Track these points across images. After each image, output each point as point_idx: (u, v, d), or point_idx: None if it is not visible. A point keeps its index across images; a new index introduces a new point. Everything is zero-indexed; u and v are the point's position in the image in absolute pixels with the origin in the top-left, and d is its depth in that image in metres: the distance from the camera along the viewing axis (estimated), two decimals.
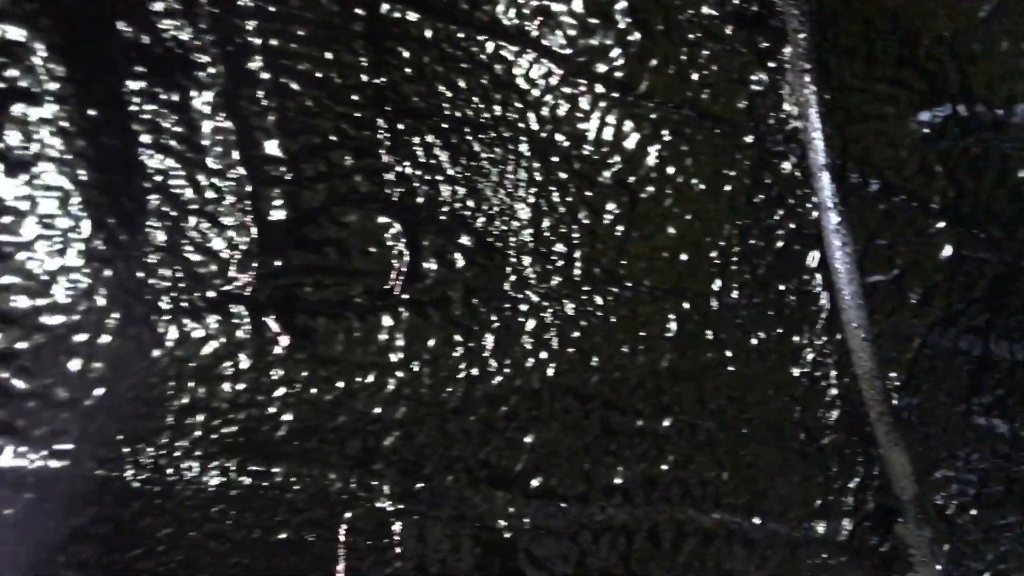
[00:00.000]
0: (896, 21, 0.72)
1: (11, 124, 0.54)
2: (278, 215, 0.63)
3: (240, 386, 0.63)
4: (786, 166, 0.74)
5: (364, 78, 0.66)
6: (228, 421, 0.62)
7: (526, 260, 0.71)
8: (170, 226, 0.60)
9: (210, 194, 0.62)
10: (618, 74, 0.70)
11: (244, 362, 0.63)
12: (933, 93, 0.74)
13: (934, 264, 0.76)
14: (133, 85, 0.59)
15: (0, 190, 0.53)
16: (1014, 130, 0.73)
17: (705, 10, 0.70)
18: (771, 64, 0.72)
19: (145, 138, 0.59)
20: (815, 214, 0.74)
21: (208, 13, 0.60)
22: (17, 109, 0.54)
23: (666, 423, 0.75)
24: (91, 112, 0.56)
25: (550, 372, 0.71)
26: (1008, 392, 0.79)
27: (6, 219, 0.55)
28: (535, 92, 0.70)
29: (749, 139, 0.73)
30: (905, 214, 0.75)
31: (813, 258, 0.76)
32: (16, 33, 0.52)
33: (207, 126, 0.61)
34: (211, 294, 0.61)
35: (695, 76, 0.72)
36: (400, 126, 0.67)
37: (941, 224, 0.75)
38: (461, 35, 0.68)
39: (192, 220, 0.61)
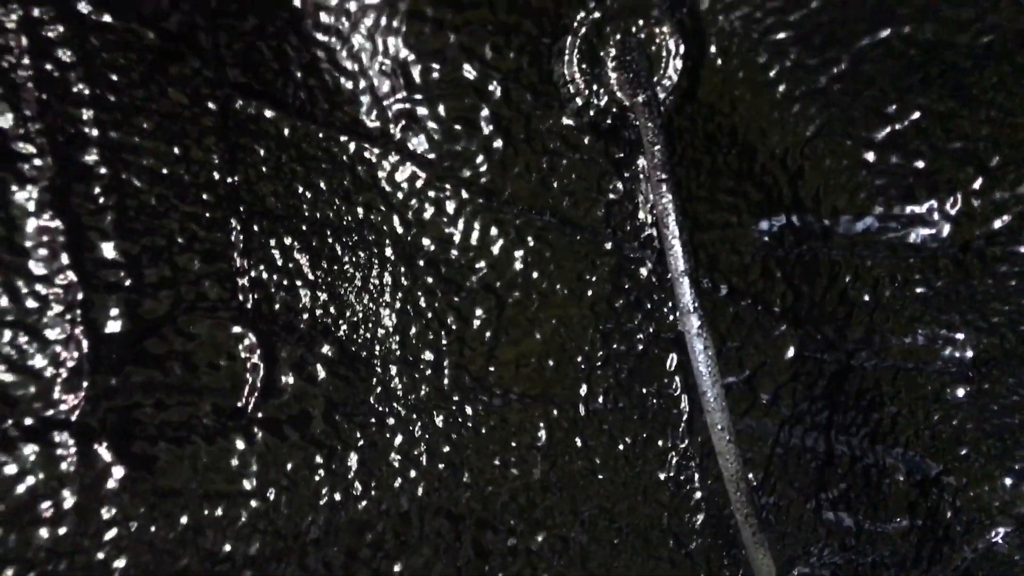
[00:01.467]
0: (735, 137, 0.85)
1: None
2: (114, 327, 0.61)
3: (62, 530, 0.58)
4: (643, 272, 0.83)
5: (216, 176, 0.67)
6: (46, 574, 0.58)
7: (393, 370, 0.73)
8: None
9: (31, 303, 0.59)
10: (483, 180, 0.76)
11: (68, 500, 0.59)
12: (769, 204, 0.88)
13: (780, 364, 0.88)
14: None
15: None
16: (839, 239, 0.88)
17: (565, 120, 0.79)
18: (627, 174, 0.82)
19: None
20: (671, 318, 0.83)
21: (36, 99, 0.59)
22: None
23: (539, 538, 0.78)
24: None
25: (419, 491, 0.73)
26: (850, 486, 0.91)
27: None
28: (399, 195, 0.75)
29: (608, 246, 0.81)
30: (751, 317, 0.87)
31: (672, 361, 0.85)
32: None
33: (31, 225, 0.59)
34: (28, 421, 0.58)
35: (556, 184, 0.79)
36: (255, 228, 0.68)
37: (783, 326, 0.87)
38: (321, 135, 0.71)
39: (7, 334, 0.58)
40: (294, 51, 0.69)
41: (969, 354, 0.91)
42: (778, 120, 0.79)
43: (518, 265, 0.77)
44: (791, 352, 0.87)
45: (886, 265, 0.85)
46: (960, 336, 0.90)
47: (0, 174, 0.57)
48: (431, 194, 0.74)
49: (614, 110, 0.78)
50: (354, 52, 0.71)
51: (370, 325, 0.72)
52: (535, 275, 0.77)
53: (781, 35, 0.75)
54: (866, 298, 0.86)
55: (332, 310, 0.70)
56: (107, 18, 0.61)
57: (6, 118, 0.57)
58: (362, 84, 0.71)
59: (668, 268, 0.74)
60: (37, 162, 0.58)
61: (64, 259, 0.59)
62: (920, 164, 0.79)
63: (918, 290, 0.86)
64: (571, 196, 0.79)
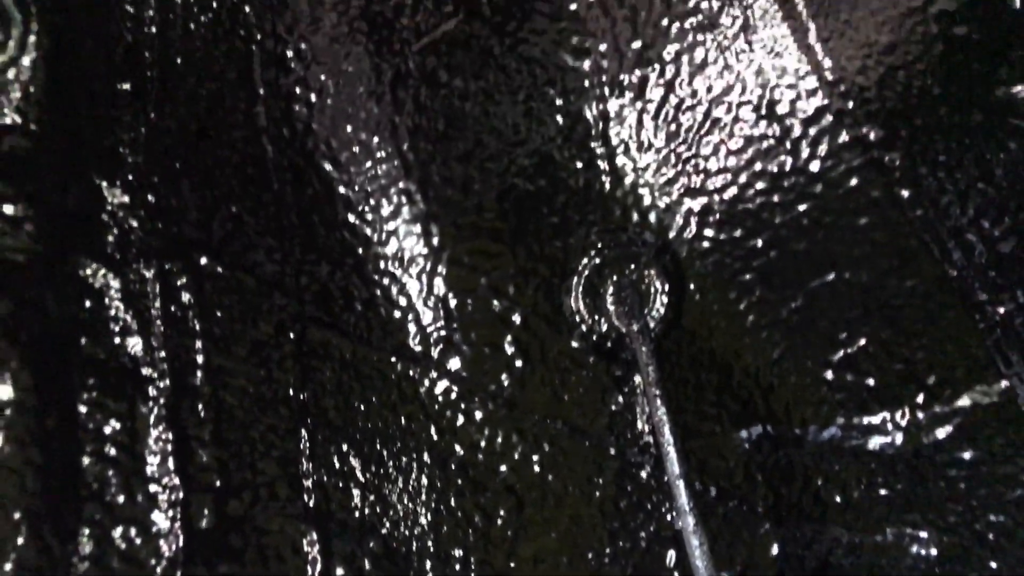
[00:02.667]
0: (715, 358, 1.08)
1: None
2: (205, 523, 0.78)
3: None
4: (643, 475, 1.02)
5: (291, 392, 0.87)
6: None
7: (428, 565, 0.90)
8: (100, 535, 0.73)
9: (142, 501, 0.76)
10: (506, 393, 0.97)
11: None
12: (747, 415, 1.09)
13: (765, 561, 1.05)
14: (86, 396, 0.75)
15: None
16: (809, 446, 1.08)
17: (573, 344, 1.02)
18: (626, 389, 1.03)
19: (90, 447, 0.75)
20: (669, 517, 1.02)
21: (162, 333, 0.80)
22: None
23: None
24: (48, 423, 0.71)
25: None
26: None
27: None
28: (436, 407, 0.95)
29: (612, 451, 1.01)
30: (738, 517, 1.05)
31: (671, 558, 1.02)
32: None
33: (151, 436, 0.77)
34: None
35: (567, 397, 1.01)
36: (319, 437, 0.88)
37: (767, 525, 1.05)
38: (375, 357, 0.93)
39: (121, 529, 0.75)
40: (357, 290, 0.92)
41: (934, 551, 1.09)
42: (749, 344, 1.02)
43: (535, 468, 0.96)
44: (775, 550, 1.04)
45: (852, 470, 1.05)
46: (924, 535, 1.08)
47: (130, 393, 0.77)
48: (462, 406, 0.94)
49: (613, 336, 1.01)
50: (404, 290, 0.94)
51: (409, 523, 0.89)
52: (550, 477, 0.96)
53: (747, 276, 1.01)
54: (838, 499, 1.06)
55: (378, 509, 0.88)
56: (219, 268, 0.84)
57: (137, 347, 0.78)
58: (410, 315, 0.94)
59: (665, 472, 0.93)
60: (159, 384, 0.78)
61: (171, 464, 0.77)
62: (871, 382, 1.02)
63: (882, 492, 1.05)
64: (579, 407, 1.00)
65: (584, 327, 0.97)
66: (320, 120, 0.89)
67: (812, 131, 0.86)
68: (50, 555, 0.68)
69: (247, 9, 0.85)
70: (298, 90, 0.89)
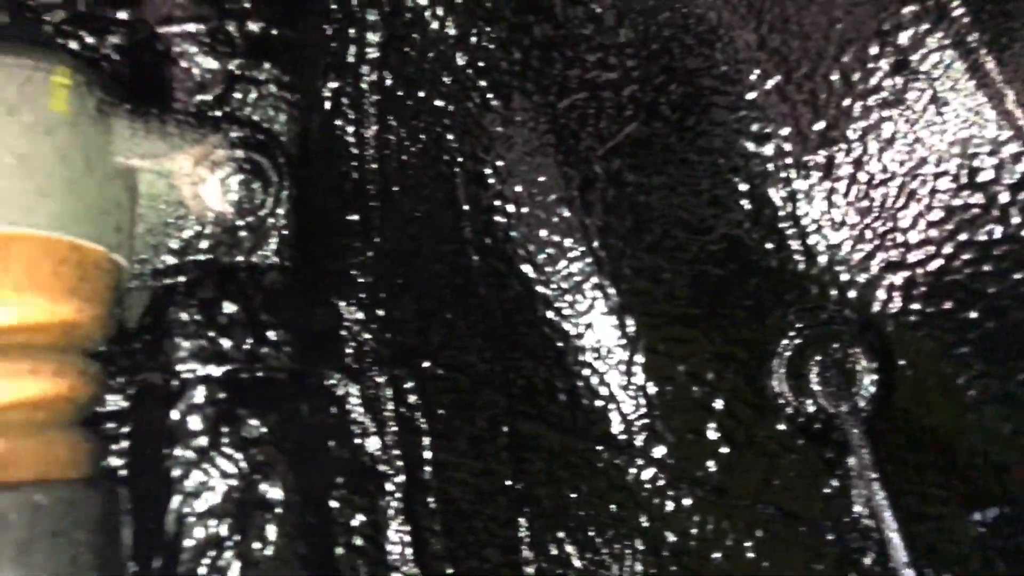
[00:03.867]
0: (935, 436, 1.04)
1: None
2: None
3: None
4: (867, 561, 0.99)
5: (507, 483, 0.94)
6: None
7: None
8: None
9: None
10: (713, 479, 0.99)
11: None
12: (979, 497, 1.03)
13: None
14: (336, 493, 0.86)
15: None
16: None
17: (779, 426, 1.02)
18: (839, 472, 1.02)
19: (342, 539, 0.85)
20: None
21: (393, 432, 0.90)
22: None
23: None
24: (308, 518, 0.82)
25: None
26: None
27: None
28: (644, 494, 0.98)
29: (830, 536, 0.99)
30: None
31: None
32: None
33: (390, 529, 0.87)
34: None
35: (777, 481, 1.00)
36: (537, 525, 0.93)
37: None
38: (581, 447, 0.98)
39: None
40: (559, 382, 0.98)
41: None
42: (974, 421, 0.98)
43: (749, 554, 0.96)
44: None
45: None
46: None
47: (371, 489, 0.87)
48: (670, 493, 0.97)
49: (821, 417, 1.01)
50: (604, 380, 1.00)
51: None
52: (765, 564, 0.96)
53: (963, 349, 0.97)
54: None
55: None
56: (438, 371, 0.94)
57: (375, 447, 0.88)
58: (611, 405, 0.99)
59: (890, 559, 0.90)
60: (395, 479, 0.88)
61: (408, 553, 0.86)
62: None
63: None
64: (791, 492, 1.00)
65: (789, 409, 0.98)
66: (518, 228, 0.98)
67: (1022, 196, 0.84)
68: None
69: (449, 137, 0.97)
70: (497, 203, 0.99)
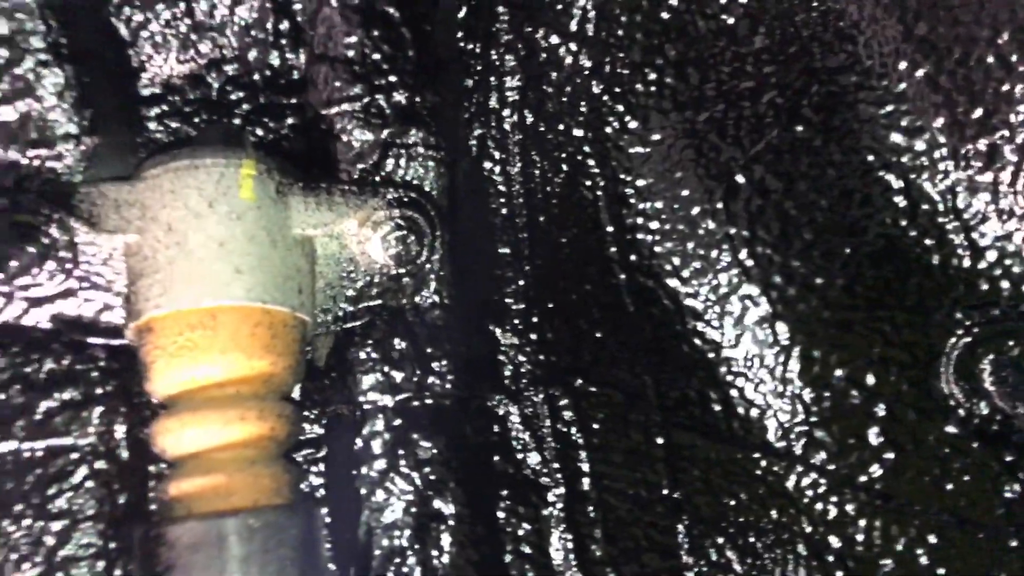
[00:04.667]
0: None
1: None
2: None
3: None
4: None
5: (665, 492, 0.99)
6: None
7: None
8: None
9: None
10: (878, 485, 0.98)
11: None
12: None
13: None
14: (502, 505, 0.95)
15: None
16: None
17: (950, 429, 0.99)
18: (1021, 476, 0.97)
19: (510, 547, 0.94)
20: None
21: (552, 448, 0.98)
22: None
23: None
24: (478, 529, 0.92)
25: None
26: None
27: None
28: (805, 500, 0.99)
29: (1013, 543, 0.96)
30: None
31: None
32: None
33: (553, 537, 0.95)
34: None
35: (950, 486, 0.98)
36: (695, 531, 0.98)
37: None
38: (738, 455, 1.01)
39: None
40: (713, 392, 1.02)
41: None
42: None
43: (923, 561, 0.95)
44: None
45: None
46: None
47: (534, 501, 0.95)
48: (833, 499, 0.98)
49: (998, 418, 0.97)
50: (759, 389, 1.02)
51: None
52: (941, 571, 0.95)
53: None
54: None
55: None
56: (591, 388, 1.01)
57: (536, 461, 0.96)
58: (767, 413, 1.01)
59: None
60: (556, 491, 0.96)
61: (572, 559, 0.94)
62: None
63: None
64: (967, 497, 0.97)
65: (961, 412, 0.95)
66: (662, 243, 1.03)
67: None
68: None
69: (590, 163, 1.04)
70: (640, 220, 1.04)
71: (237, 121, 0.89)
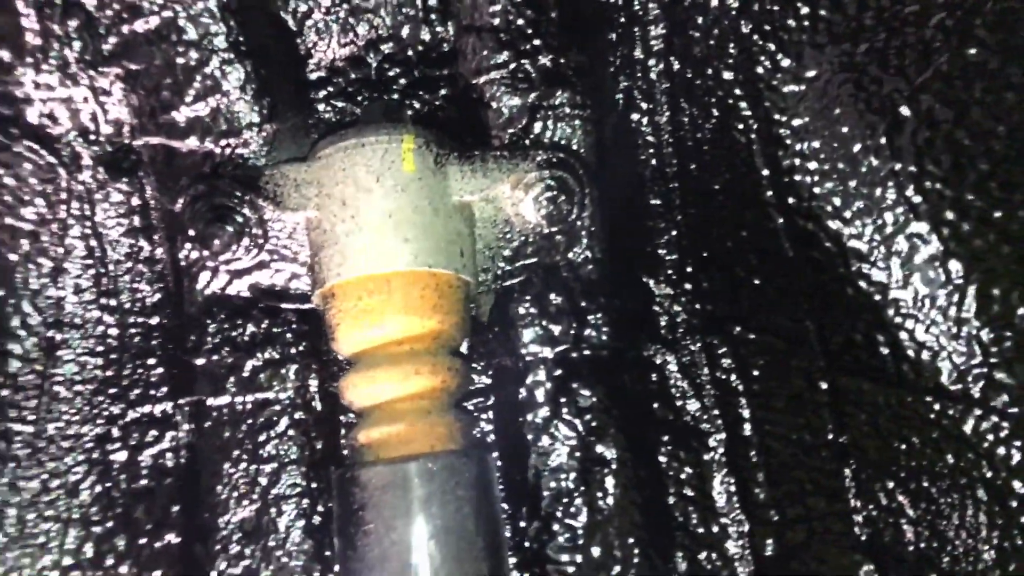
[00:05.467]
0: None
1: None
2: (771, 551, 0.94)
3: None
4: None
5: (830, 436, 0.98)
6: None
7: None
8: (690, 558, 0.95)
9: (717, 531, 0.96)
10: None
11: None
12: None
13: None
14: (664, 450, 0.98)
15: None
16: None
17: None
18: None
19: (672, 489, 0.97)
20: None
21: (711, 395, 0.99)
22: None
23: None
24: (640, 473, 0.95)
25: None
26: None
27: None
28: (985, 444, 0.95)
29: None
30: None
31: None
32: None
33: (716, 480, 0.97)
34: None
35: None
36: (863, 476, 0.96)
37: None
38: (909, 399, 0.98)
39: (704, 553, 0.95)
40: (881, 336, 0.99)
41: None
42: None
43: None
44: None
45: None
46: None
47: (695, 445, 0.97)
48: (1017, 443, 0.93)
49: None
50: (930, 330, 0.98)
51: (971, 559, 0.92)
52: None
53: None
54: None
55: (935, 544, 0.93)
56: (750, 335, 1.01)
57: (695, 408, 0.98)
58: (941, 355, 0.97)
59: None
60: (716, 436, 0.98)
61: (735, 501, 0.96)
62: None
63: None
64: None
65: None
66: (822, 184, 1.00)
67: None
68: (656, 570, 0.94)
69: (742, 105, 1.02)
70: (797, 162, 1.02)
71: (395, 96, 0.95)
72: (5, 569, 0.88)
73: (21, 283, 0.90)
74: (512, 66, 0.85)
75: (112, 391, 0.92)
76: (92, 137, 0.87)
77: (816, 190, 1.02)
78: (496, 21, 0.85)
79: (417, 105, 0.94)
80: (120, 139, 0.88)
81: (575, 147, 0.87)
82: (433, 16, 0.89)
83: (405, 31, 0.90)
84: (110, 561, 0.89)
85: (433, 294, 0.79)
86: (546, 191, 0.85)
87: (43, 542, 0.89)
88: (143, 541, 0.90)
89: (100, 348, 0.92)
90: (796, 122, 1.03)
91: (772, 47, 1.03)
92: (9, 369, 0.90)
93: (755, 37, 1.04)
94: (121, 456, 0.91)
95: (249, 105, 0.84)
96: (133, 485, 0.90)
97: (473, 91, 0.90)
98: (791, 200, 1.03)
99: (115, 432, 0.92)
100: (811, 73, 1.01)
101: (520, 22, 0.85)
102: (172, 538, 0.89)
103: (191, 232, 0.85)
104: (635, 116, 1.02)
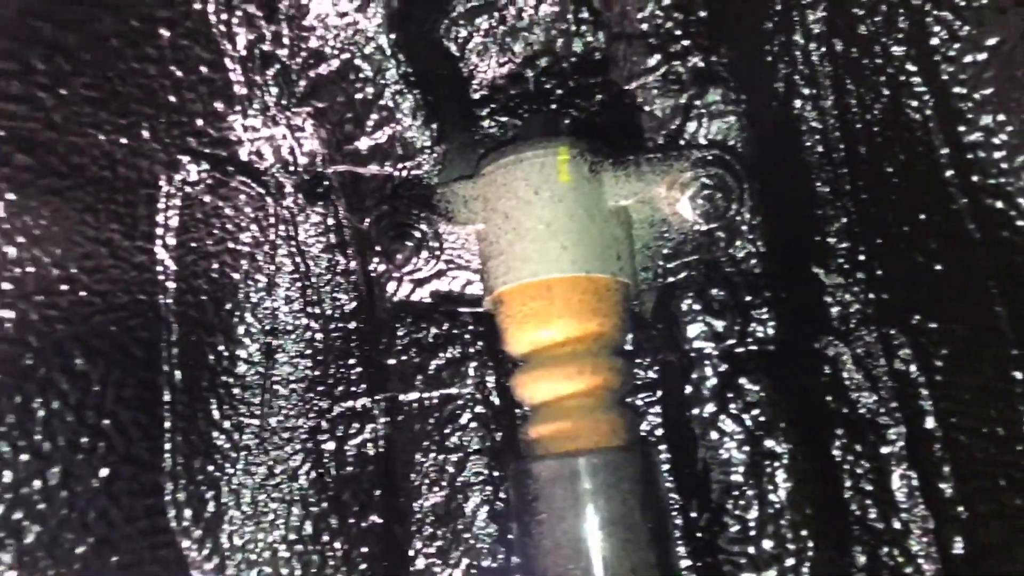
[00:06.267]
0: None
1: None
2: (960, 549, 0.90)
3: None
4: None
5: None
6: None
7: None
8: (869, 553, 0.92)
9: (899, 527, 0.93)
10: None
11: None
12: None
13: None
14: (838, 443, 0.96)
15: None
16: None
17: None
18: None
19: (848, 483, 0.95)
20: None
21: (888, 386, 0.95)
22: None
23: None
24: (814, 468, 0.94)
25: None
26: None
27: None
28: None
29: None
30: None
31: None
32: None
33: (895, 474, 0.93)
34: None
35: None
36: None
37: None
38: None
39: (885, 549, 0.92)
40: None
41: None
42: None
43: None
44: None
45: None
46: None
47: (872, 439, 0.94)
48: None
49: None
50: None
51: None
52: None
53: None
54: None
55: None
56: (930, 324, 0.96)
57: (871, 401, 0.95)
58: None
59: None
60: (895, 430, 0.94)
61: (918, 496, 0.92)
62: None
63: None
64: None
65: None
66: (1011, 159, 0.94)
67: None
68: (833, 564, 0.93)
69: (915, 81, 0.98)
70: (980, 137, 0.96)
71: (553, 107, 1.00)
72: (243, 541, 1.04)
73: (243, 297, 1.05)
74: (663, 69, 0.88)
75: (320, 388, 1.05)
76: (291, 168, 1.00)
77: (1004, 166, 0.95)
78: (645, 27, 0.88)
79: (575, 113, 0.98)
80: (314, 168, 1.00)
81: (731, 143, 0.88)
82: (584, 28, 0.93)
83: (559, 44, 0.95)
84: (325, 538, 1.02)
85: (592, 298, 0.83)
86: (702, 190, 0.87)
87: (272, 519, 1.03)
88: (351, 521, 1.02)
89: (308, 351, 1.06)
90: (978, 94, 0.96)
91: (948, 15, 0.97)
92: (238, 371, 1.05)
93: (927, 7, 0.98)
94: (330, 446, 1.04)
95: (420, 130, 0.92)
96: (341, 472, 1.03)
97: (626, 96, 0.93)
98: (975, 178, 0.97)
99: (324, 425, 1.04)
100: (993, 40, 0.95)
101: (669, 25, 0.87)
102: (375, 519, 1.01)
103: (378, 248, 0.95)
104: (797, 103, 1.00)
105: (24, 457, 0.91)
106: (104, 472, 0.95)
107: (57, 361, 0.92)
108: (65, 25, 0.84)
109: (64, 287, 0.92)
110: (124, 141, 0.92)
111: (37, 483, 0.91)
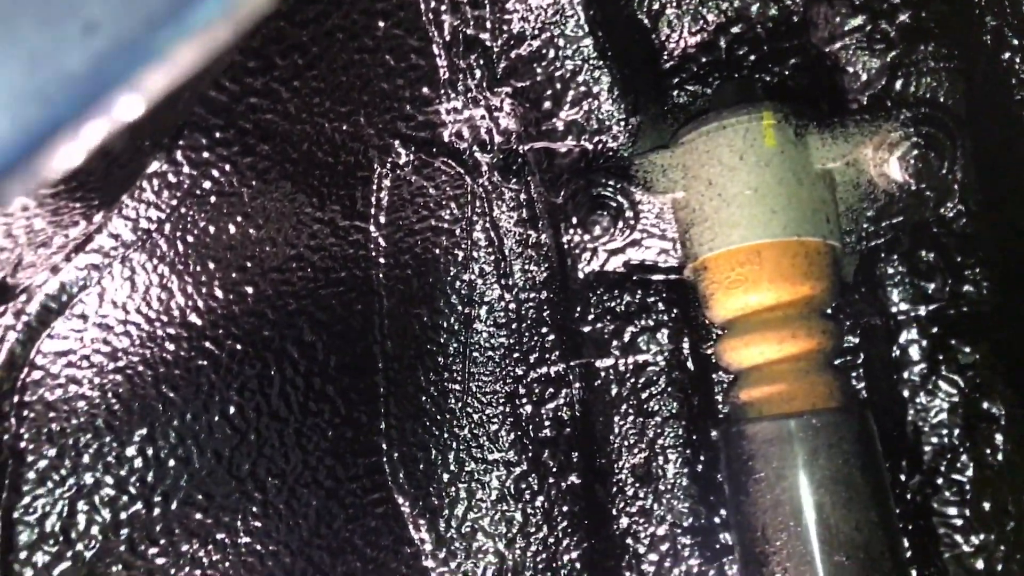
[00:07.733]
0: None
1: None
2: None
3: None
4: None
5: None
6: None
7: None
8: None
9: None
10: None
11: None
12: None
13: None
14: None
15: None
16: None
17: None
18: None
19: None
20: None
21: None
22: None
23: None
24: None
25: None
26: None
27: None
28: None
29: None
30: None
31: None
32: None
33: None
34: None
35: None
36: None
37: None
38: None
39: None
40: None
41: None
42: None
43: None
44: None
45: None
46: None
47: None
48: None
49: None
50: None
51: None
52: None
53: None
54: None
55: None
56: None
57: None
58: None
59: None
60: None
61: None
62: None
63: None
64: None
65: None
66: None
67: None
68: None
69: None
70: None
71: (745, 73, 1.00)
72: (449, 499, 1.10)
73: (444, 271, 1.11)
74: (868, 28, 0.86)
75: (515, 355, 1.10)
76: (488, 147, 1.04)
77: None
78: None
79: (767, 78, 0.98)
80: (509, 146, 1.04)
81: (942, 100, 0.85)
82: None
83: (754, 10, 0.94)
84: (527, 496, 1.07)
85: (803, 261, 0.83)
86: (913, 149, 0.85)
87: (477, 478, 1.09)
88: (551, 480, 1.07)
89: (503, 320, 1.11)
90: None
91: None
92: (440, 340, 1.11)
93: None
94: (527, 409, 1.08)
95: (616, 104, 0.94)
96: (539, 434, 1.07)
97: (827, 58, 0.92)
98: None
99: (520, 390, 1.09)
100: None
101: None
102: (574, 479, 1.05)
103: (573, 220, 0.98)
104: (1006, 55, 0.96)
105: (264, 420, 1.00)
106: (330, 433, 1.03)
107: (289, 333, 1.01)
108: (300, 22, 0.91)
109: (294, 264, 1.00)
110: (345, 128, 0.99)
111: (276, 442, 1.01)
